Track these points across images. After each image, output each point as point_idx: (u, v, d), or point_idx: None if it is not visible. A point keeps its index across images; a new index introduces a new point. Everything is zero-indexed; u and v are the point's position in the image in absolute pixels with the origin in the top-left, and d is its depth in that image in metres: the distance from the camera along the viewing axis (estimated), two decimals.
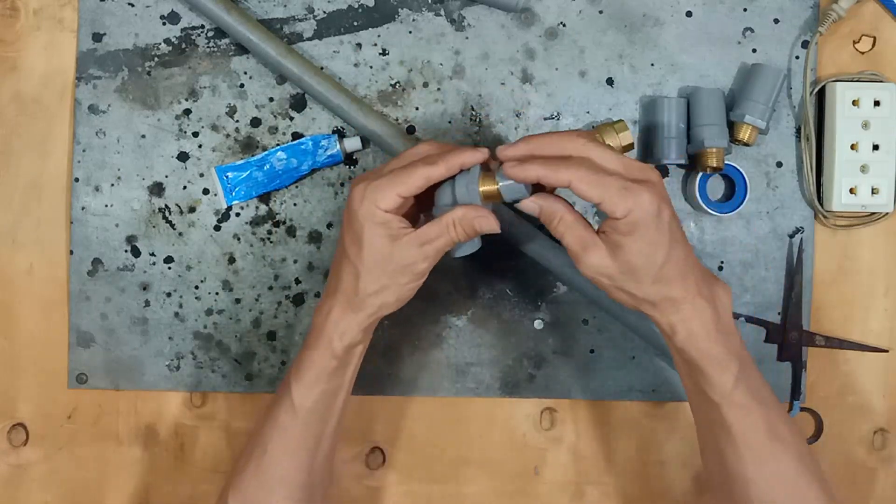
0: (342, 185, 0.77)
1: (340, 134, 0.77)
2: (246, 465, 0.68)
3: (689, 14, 0.78)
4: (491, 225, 0.63)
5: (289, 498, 0.67)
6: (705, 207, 0.77)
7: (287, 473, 0.67)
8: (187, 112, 0.77)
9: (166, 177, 0.77)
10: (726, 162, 0.76)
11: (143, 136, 0.77)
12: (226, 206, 0.77)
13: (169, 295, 0.77)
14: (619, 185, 0.60)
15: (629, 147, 0.74)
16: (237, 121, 0.77)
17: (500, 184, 0.63)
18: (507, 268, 0.78)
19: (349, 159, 0.77)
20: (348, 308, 0.65)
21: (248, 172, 0.77)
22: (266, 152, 0.77)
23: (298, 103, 0.77)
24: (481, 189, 0.64)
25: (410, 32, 0.78)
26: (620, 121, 0.72)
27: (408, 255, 0.63)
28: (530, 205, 0.64)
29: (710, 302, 0.63)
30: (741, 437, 0.63)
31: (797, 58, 0.78)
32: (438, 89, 0.78)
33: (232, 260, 0.78)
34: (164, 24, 0.77)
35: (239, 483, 0.67)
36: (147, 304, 0.77)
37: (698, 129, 0.76)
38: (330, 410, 0.68)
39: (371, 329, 0.67)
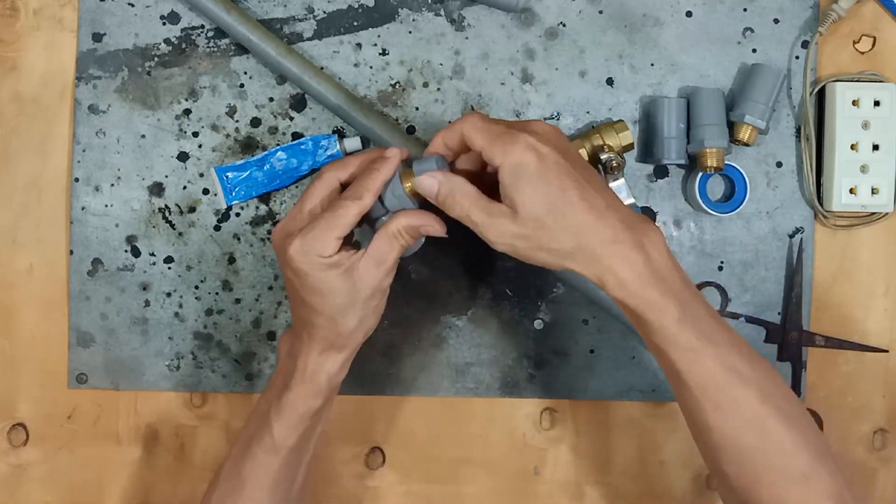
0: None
1: (340, 134, 0.77)
2: (223, 499, 0.67)
3: (689, 14, 0.78)
4: (436, 229, 0.63)
5: None
6: (705, 207, 0.77)
7: None
8: (187, 112, 0.77)
9: (166, 177, 0.77)
10: (726, 162, 0.76)
11: (143, 136, 0.77)
12: (226, 206, 0.77)
13: (169, 295, 0.77)
14: (500, 131, 0.59)
15: (629, 147, 0.74)
16: (237, 121, 0.77)
17: (417, 175, 0.63)
18: (507, 268, 0.78)
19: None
20: (332, 349, 0.65)
21: (248, 172, 0.77)
22: (266, 152, 0.77)
23: (298, 103, 0.77)
24: (406, 186, 0.63)
25: (410, 32, 0.78)
26: (620, 121, 0.73)
27: (369, 279, 0.63)
28: (427, 181, 0.62)
29: (637, 246, 0.59)
30: (694, 382, 0.59)
31: (797, 58, 0.78)
32: (438, 89, 0.78)
33: (232, 260, 0.78)
34: (164, 24, 0.77)
35: None
36: (147, 304, 0.77)
37: (698, 129, 0.76)
38: (309, 444, 0.68)
39: (352, 359, 0.67)
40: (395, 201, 0.64)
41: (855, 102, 0.77)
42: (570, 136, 0.78)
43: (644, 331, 0.60)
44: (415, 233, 0.63)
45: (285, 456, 0.66)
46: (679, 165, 0.78)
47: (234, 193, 0.77)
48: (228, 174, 0.77)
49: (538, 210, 0.58)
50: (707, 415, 0.59)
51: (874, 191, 0.77)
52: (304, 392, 0.65)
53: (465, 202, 0.61)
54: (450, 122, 0.78)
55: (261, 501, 0.66)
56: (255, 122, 0.77)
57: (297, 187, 0.77)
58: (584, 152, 0.74)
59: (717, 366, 0.59)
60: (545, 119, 0.78)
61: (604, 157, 0.73)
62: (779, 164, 0.79)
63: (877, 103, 0.77)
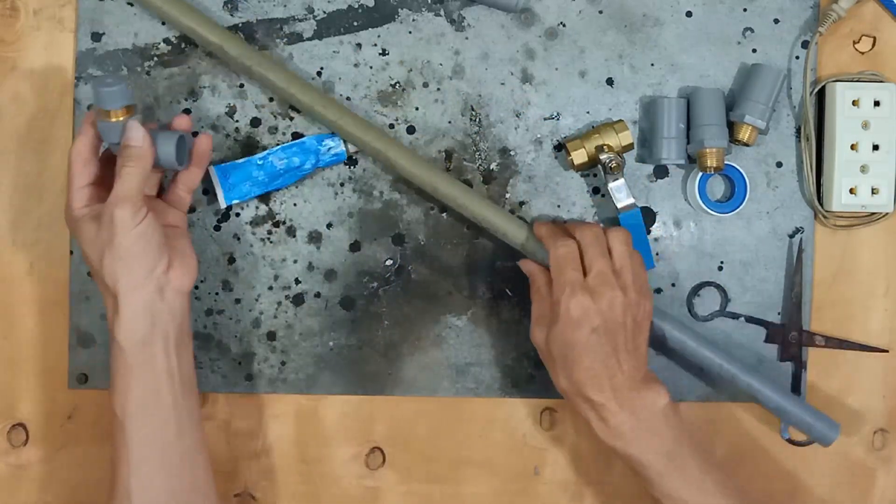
0: (342, 185, 0.77)
1: None
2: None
3: (689, 14, 0.78)
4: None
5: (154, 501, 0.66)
6: (705, 207, 0.77)
7: (143, 484, 0.66)
8: (187, 112, 0.77)
9: (166, 177, 0.77)
10: (726, 162, 0.76)
11: None
12: (224, 206, 0.77)
13: None
14: (573, 279, 0.68)
15: (629, 147, 0.74)
16: (237, 121, 0.77)
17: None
18: (507, 268, 0.78)
19: (350, 160, 0.77)
20: (111, 300, 0.67)
21: (248, 171, 0.76)
22: (266, 151, 0.76)
23: None
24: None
25: (410, 32, 0.77)
26: (620, 121, 0.73)
27: (108, 217, 0.65)
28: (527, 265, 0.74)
29: (630, 410, 0.68)
30: None
31: (797, 58, 0.78)
32: (438, 89, 0.78)
33: (232, 260, 0.78)
34: (163, 23, 0.77)
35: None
36: None
37: (698, 129, 0.76)
38: (158, 414, 0.67)
39: (153, 308, 0.67)
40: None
41: (855, 102, 0.77)
42: (570, 136, 0.78)
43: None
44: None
45: (135, 434, 0.66)
46: (679, 165, 0.78)
47: (232, 192, 0.77)
48: (227, 173, 0.76)
49: (556, 351, 0.70)
50: None
51: (874, 191, 0.77)
52: (112, 357, 0.68)
53: (535, 296, 0.73)
54: (449, 122, 0.78)
55: (142, 489, 0.66)
56: (255, 122, 0.77)
57: (296, 187, 0.77)
58: (583, 152, 0.75)
59: None
60: (545, 119, 0.78)
61: (603, 157, 0.74)
62: (779, 164, 0.79)
63: (877, 103, 0.77)
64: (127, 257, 0.65)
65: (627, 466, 0.70)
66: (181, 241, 0.71)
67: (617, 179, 0.73)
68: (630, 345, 0.69)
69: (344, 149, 0.76)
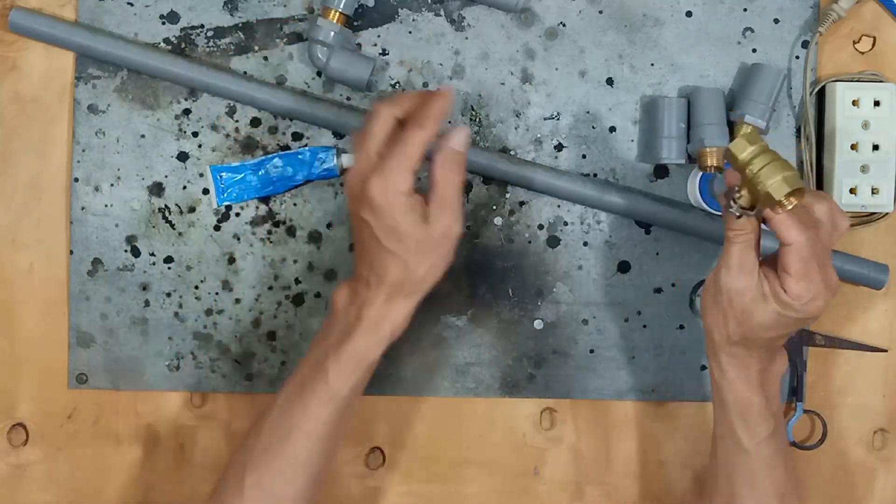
0: (342, 185, 0.77)
1: (339, 149, 0.77)
2: (268, 446, 0.66)
3: (689, 14, 0.78)
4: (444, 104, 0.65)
5: (307, 487, 0.66)
6: (705, 207, 0.77)
7: (310, 461, 0.66)
8: (187, 112, 0.77)
9: (166, 177, 0.77)
10: (726, 161, 0.76)
11: (143, 136, 0.77)
12: (216, 206, 0.77)
13: (169, 295, 0.77)
14: (815, 278, 0.62)
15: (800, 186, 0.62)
16: (237, 121, 0.77)
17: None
18: (507, 268, 0.78)
19: (343, 172, 0.77)
20: (399, 296, 0.66)
21: (243, 175, 0.76)
22: (263, 157, 0.77)
23: None
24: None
25: (410, 32, 0.77)
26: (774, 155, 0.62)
27: (442, 225, 0.64)
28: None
29: (772, 359, 0.67)
30: (760, 487, 0.67)
31: (797, 58, 0.78)
32: (438, 89, 0.77)
33: (232, 260, 0.78)
34: (163, 23, 0.77)
35: (259, 463, 0.66)
36: (147, 304, 0.77)
37: (698, 129, 0.76)
38: (357, 397, 0.68)
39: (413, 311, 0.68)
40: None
41: (855, 102, 0.77)
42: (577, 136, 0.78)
43: (733, 425, 0.67)
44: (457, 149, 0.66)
45: (338, 405, 0.66)
46: (679, 165, 0.78)
47: (225, 195, 0.77)
48: (222, 174, 0.77)
49: (762, 321, 0.64)
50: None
51: (874, 191, 0.77)
52: (367, 341, 0.66)
53: (742, 235, 0.63)
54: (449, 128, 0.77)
55: (306, 452, 0.66)
56: (255, 122, 0.77)
57: (290, 195, 0.77)
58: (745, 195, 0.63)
59: (779, 483, 0.68)
60: (545, 119, 0.78)
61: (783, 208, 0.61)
62: None
63: (877, 103, 0.77)
64: (441, 269, 0.66)
65: (728, 416, 0.67)
66: None
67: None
68: None
69: (336, 164, 0.76)
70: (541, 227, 0.78)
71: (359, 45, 0.77)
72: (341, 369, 0.66)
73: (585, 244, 0.78)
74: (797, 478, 0.70)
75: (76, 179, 0.77)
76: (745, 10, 0.78)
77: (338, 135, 0.77)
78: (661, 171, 0.78)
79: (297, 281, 0.78)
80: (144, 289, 0.77)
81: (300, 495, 0.66)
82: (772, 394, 0.68)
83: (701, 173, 0.76)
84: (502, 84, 0.78)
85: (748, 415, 0.67)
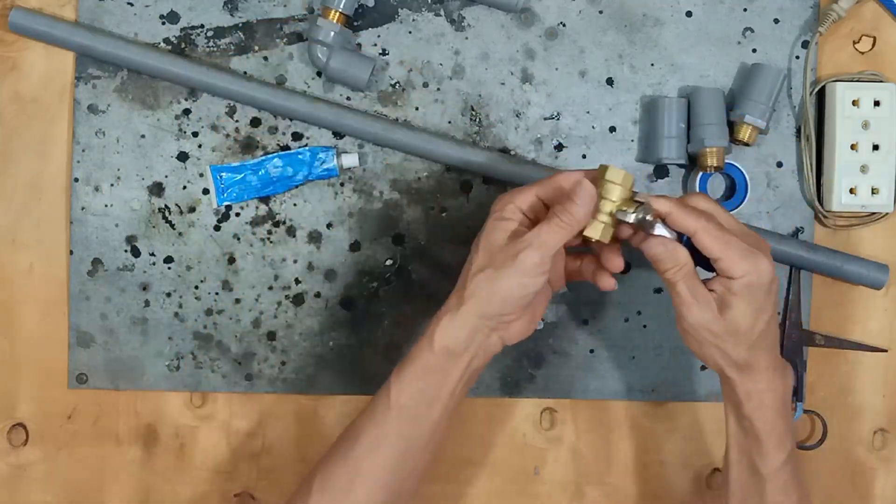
0: (342, 185, 0.77)
1: (339, 149, 0.77)
2: (335, 451, 0.68)
3: (689, 14, 0.78)
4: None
5: (371, 495, 0.66)
6: None
7: (373, 468, 0.66)
8: (187, 112, 0.77)
9: (166, 177, 0.77)
10: (727, 161, 0.76)
11: (143, 136, 0.77)
12: (216, 206, 0.77)
13: (169, 295, 0.77)
14: (742, 246, 0.63)
15: (632, 186, 0.67)
16: (237, 121, 0.77)
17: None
18: None
19: (343, 171, 0.77)
20: (455, 305, 0.66)
21: (243, 175, 0.77)
22: (263, 157, 0.77)
23: None
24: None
25: (410, 32, 0.77)
26: (606, 167, 0.65)
27: (522, 261, 0.63)
28: (654, 244, 0.64)
29: (783, 378, 0.67)
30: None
31: (797, 58, 0.78)
32: (438, 89, 0.78)
33: (232, 260, 0.78)
34: (163, 23, 0.77)
35: (325, 468, 0.67)
36: (147, 304, 0.77)
37: (698, 129, 0.76)
38: (424, 416, 0.66)
39: (477, 336, 0.65)
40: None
41: (855, 102, 0.77)
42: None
43: (751, 452, 0.67)
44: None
45: (397, 413, 0.66)
46: (679, 165, 0.78)
47: (225, 195, 0.77)
48: (222, 174, 0.77)
49: (745, 322, 0.64)
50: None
51: (874, 191, 0.77)
52: (419, 347, 0.66)
53: (680, 272, 0.64)
54: (448, 121, 0.78)
55: (369, 458, 0.66)
56: (255, 122, 0.77)
57: (290, 195, 0.77)
58: (605, 223, 0.65)
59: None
60: (545, 119, 0.78)
61: (630, 217, 0.64)
62: (779, 164, 0.79)
63: (877, 103, 0.77)
64: (500, 295, 0.64)
65: (746, 443, 0.67)
66: (541, 304, 0.69)
67: (655, 226, 0.65)
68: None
69: (336, 164, 0.76)
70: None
71: (359, 45, 0.77)
72: (400, 375, 0.66)
73: None
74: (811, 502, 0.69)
75: (76, 179, 0.77)
76: (745, 10, 0.78)
77: (338, 135, 0.77)
78: (661, 171, 0.78)
79: (297, 281, 0.78)
80: (144, 289, 0.77)
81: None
82: (789, 415, 0.68)
83: (701, 173, 0.76)
84: (502, 84, 0.78)
85: (769, 440, 0.66)
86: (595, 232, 0.65)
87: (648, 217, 0.64)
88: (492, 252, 0.65)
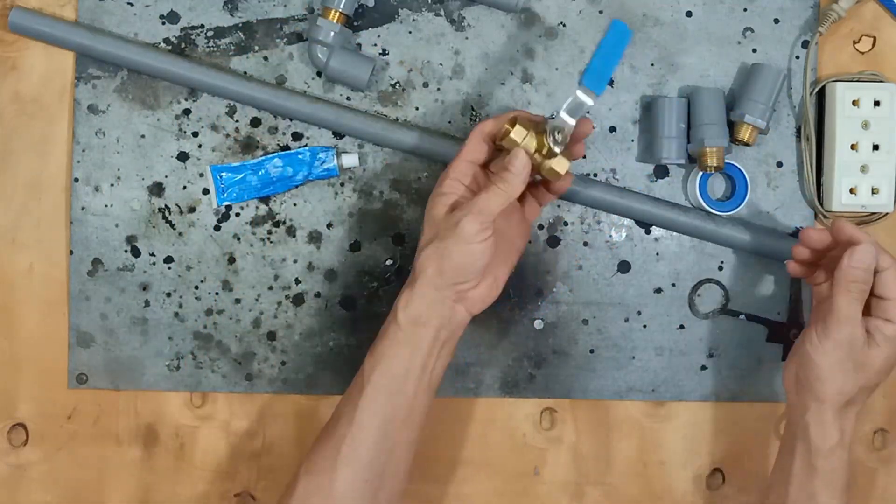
0: (342, 185, 0.78)
1: (339, 149, 0.77)
2: (319, 436, 0.68)
3: (689, 14, 0.78)
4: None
5: (355, 473, 0.66)
6: (706, 206, 0.77)
7: (353, 447, 0.66)
8: (187, 112, 0.77)
9: (166, 177, 0.77)
10: (727, 160, 0.76)
11: (143, 136, 0.77)
12: (216, 206, 0.77)
13: (169, 295, 0.77)
14: None
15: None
16: (237, 121, 0.77)
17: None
18: None
19: (343, 171, 0.77)
20: (411, 281, 0.67)
21: (243, 175, 0.77)
22: (263, 157, 0.77)
23: None
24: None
25: (410, 32, 0.77)
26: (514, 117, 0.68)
27: (457, 219, 0.65)
28: (863, 252, 0.66)
29: (855, 416, 0.69)
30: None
31: (797, 58, 0.78)
32: (438, 89, 0.78)
33: (232, 260, 0.78)
34: (163, 23, 0.77)
35: (310, 453, 0.68)
36: (147, 304, 0.77)
37: (698, 129, 0.76)
38: (399, 391, 0.67)
39: (437, 307, 0.67)
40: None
41: (855, 102, 0.77)
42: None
43: (806, 458, 0.68)
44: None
45: (372, 390, 0.67)
46: (679, 165, 0.78)
47: (225, 194, 0.77)
48: (222, 174, 0.77)
49: (880, 365, 0.67)
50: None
51: (874, 191, 0.77)
52: (386, 324, 0.69)
53: (856, 286, 0.67)
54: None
55: (351, 440, 0.66)
56: (255, 122, 0.77)
57: (290, 195, 0.77)
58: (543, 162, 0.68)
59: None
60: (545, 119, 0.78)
61: (558, 148, 0.67)
62: (779, 164, 0.79)
63: (877, 103, 0.77)
64: (449, 264, 0.66)
65: (810, 454, 0.68)
66: (501, 268, 0.70)
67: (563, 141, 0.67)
68: None
69: (336, 164, 0.76)
70: (541, 227, 0.78)
71: (359, 45, 0.77)
72: (372, 350, 0.68)
73: (585, 244, 0.78)
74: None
75: (76, 179, 0.77)
76: (745, 10, 0.78)
77: (338, 135, 0.77)
78: (661, 171, 0.78)
79: (297, 281, 0.78)
80: (144, 289, 0.77)
81: (349, 486, 0.66)
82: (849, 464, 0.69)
83: (701, 173, 0.76)
84: (502, 84, 0.78)
85: (837, 477, 0.68)
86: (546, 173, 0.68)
87: (565, 130, 0.67)
88: (435, 224, 0.67)
